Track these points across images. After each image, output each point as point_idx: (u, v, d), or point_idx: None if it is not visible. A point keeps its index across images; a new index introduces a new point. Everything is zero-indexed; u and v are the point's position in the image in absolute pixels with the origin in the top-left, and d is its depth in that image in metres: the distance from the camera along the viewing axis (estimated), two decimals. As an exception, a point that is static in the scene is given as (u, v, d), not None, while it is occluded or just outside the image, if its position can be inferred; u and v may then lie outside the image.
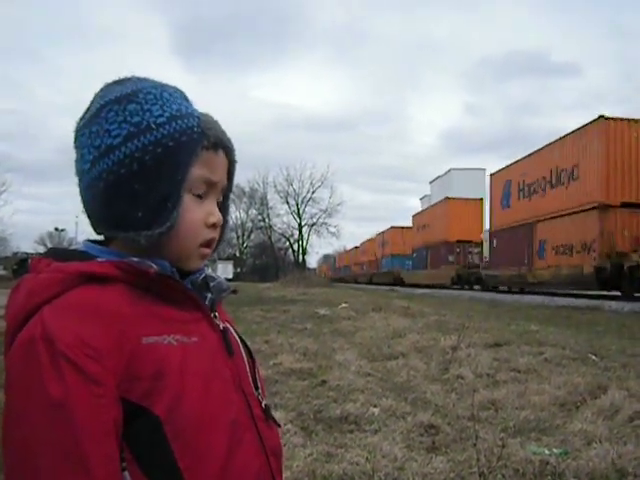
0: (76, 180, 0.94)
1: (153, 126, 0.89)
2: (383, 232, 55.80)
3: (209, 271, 1.02)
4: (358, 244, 74.49)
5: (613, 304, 15.49)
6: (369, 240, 64.76)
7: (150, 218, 0.89)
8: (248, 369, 1.01)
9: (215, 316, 0.98)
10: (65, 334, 0.78)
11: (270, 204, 74.63)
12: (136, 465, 0.81)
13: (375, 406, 4.79)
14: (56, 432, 0.75)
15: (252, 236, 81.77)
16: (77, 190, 0.95)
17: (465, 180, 37.01)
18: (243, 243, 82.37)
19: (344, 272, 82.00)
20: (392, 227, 52.83)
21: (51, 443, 0.75)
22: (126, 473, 0.80)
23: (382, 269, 52.58)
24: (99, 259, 0.89)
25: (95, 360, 0.78)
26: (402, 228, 49.84)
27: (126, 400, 0.80)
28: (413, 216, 45.48)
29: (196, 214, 0.94)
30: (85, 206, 0.94)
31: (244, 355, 1.02)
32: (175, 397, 0.83)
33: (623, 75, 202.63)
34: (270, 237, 77.53)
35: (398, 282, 42.64)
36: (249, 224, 79.53)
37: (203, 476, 0.84)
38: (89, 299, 0.83)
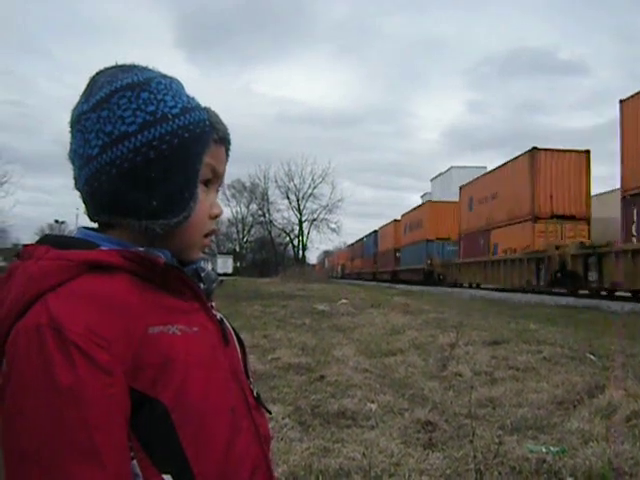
0: (70, 165, 0.92)
1: (169, 116, 0.89)
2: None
3: (202, 262, 1.02)
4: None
5: (612, 304, 15.48)
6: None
7: (165, 207, 0.89)
8: (240, 358, 1.02)
9: (211, 306, 0.99)
10: (73, 322, 0.77)
11: (271, 199, 74.41)
12: (144, 454, 0.80)
13: (372, 402, 4.80)
14: (67, 421, 0.73)
15: (252, 231, 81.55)
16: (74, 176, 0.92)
17: (466, 178, 36.50)
18: (243, 238, 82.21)
19: (410, 258, 39.75)
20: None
21: (62, 432, 0.73)
22: (134, 462, 0.80)
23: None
24: (103, 247, 0.88)
25: (105, 349, 0.77)
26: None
27: (133, 389, 0.80)
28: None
29: (204, 205, 0.95)
30: (87, 191, 0.90)
31: (237, 345, 1.03)
32: (181, 386, 0.83)
33: (630, 75, 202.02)
34: (270, 232, 77.36)
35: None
36: (249, 219, 79.27)
37: (207, 463, 0.84)
38: (96, 288, 0.81)
